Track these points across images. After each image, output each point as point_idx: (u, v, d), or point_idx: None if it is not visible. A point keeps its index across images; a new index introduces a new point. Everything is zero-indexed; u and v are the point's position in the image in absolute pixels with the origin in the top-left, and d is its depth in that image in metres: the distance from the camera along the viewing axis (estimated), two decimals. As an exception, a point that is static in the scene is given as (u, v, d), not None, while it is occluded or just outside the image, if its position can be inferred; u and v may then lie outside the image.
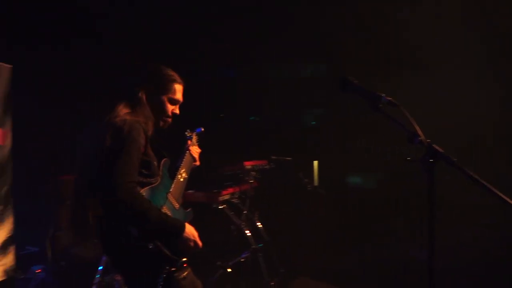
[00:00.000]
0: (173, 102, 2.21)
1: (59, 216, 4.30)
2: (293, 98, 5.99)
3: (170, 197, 2.13)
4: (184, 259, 2.04)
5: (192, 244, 2.02)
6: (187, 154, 2.43)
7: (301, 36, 5.61)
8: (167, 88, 2.17)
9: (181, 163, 2.35)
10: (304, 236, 4.64)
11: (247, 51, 5.89)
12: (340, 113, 5.67)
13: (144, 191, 1.95)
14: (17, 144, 4.01)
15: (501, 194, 1.41)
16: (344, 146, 5.44)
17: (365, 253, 4.70)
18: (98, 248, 3.70)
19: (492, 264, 4.04)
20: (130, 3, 5.14)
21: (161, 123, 2.20)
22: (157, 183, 2.06)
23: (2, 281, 3.59)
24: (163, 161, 2.19)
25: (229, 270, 4.11)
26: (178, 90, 2.22)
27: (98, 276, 3.48)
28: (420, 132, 1.53)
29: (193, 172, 2.91)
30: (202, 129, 2.68)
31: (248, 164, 4.33)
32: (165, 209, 2.04)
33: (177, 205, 2.17)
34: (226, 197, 4.29)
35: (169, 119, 2.23)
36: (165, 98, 2.17)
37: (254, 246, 4.12)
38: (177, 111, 2.25)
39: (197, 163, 2.53)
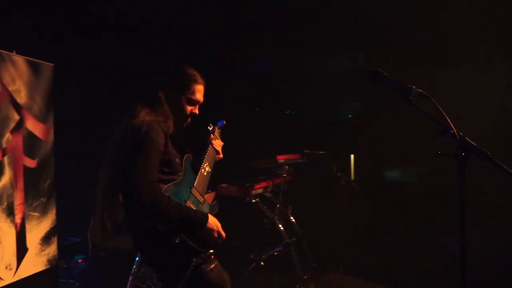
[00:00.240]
0: (192, 102, 2.21)
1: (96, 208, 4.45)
2: (330, 91, 5.91)
3: (194, 191, 2.16)
4: (211, 251, 2.07)
5: (216, 234, 2.03)
6: (210, 148, 2.44)
7: (338, 29, 5.54)
8: (186, 88, 2.17)
9: (204, 157, 2.37)
10: (336, 231, 4.59)
11: (284, 44, 5.88)
12: (378, 106, 5.56)
13: (167, 187, 1.99)
14: (62, 139, 4.17)
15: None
16: (382, 139, 5.32)
17: (400, 248, 4.61)
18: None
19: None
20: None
21: (179, 123, 2.21)
22: (180, 179, 2.09)
23: (46, 269, 3.76)
24: (185, 156, 2.22)
25: (262, 263, 4.14)
26: (198, 90, 2.21)
27: (135, 267, 3.58)
28: (452, 125, 1.48)
29: (227, 166, 2.93)
30: (225, 122, 2.68)
31: (281, 158, 4.32)
32: (189, 204, 2.07)
33: (201, 199, 2.20)
34: (259, 191, 4.31)
35: (188, 119, 2.24)
36: (183, 98, 2.17)
37: (287, 240, 4.13)
38: (196, 111, 2.25)
39: (220, 156, 2.54)
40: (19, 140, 3.48)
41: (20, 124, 3.48)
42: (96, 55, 5.10)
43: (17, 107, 3.46)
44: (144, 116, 2.02)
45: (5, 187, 3.32)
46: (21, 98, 3.50)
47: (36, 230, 3.67)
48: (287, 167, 4.35)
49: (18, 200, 3.46)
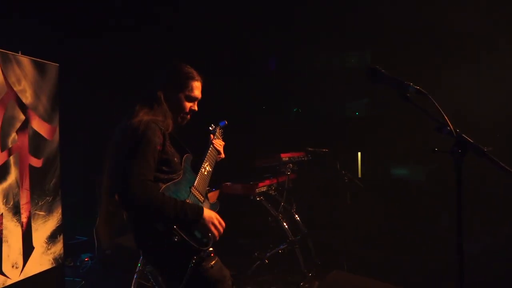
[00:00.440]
0: (191, 99, 2.23)
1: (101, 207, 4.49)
2: (336, 90, 5.91)
3: (194, 190, 2.17)
4: (211, 249, 2.08)
5: (212, 228, 2.03)
6: (211, 148, 2.46)
7: (344, 27, 5.53)
8: (184, 86, 2.20)
9: (205, 156, 2.38)
10: (341, 229, 4.59)
11: (290, 43, 5.88)
12: (385, 104, 5.55)
13: (167, 187, 2.00)
14: (68, 139, 4.21)
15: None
16: (389, 137, 5.31)
17: (405, 246, 4.59)
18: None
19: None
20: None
21: (179, 120, 2.24)
22: (179, 178, 2.11)
23: (52, 268, 3.79)
24: (185, 156, 2.23)
25: (266, 261, 4.15)
26: (196, 87, 2.23)
27: (139, 265, 3.61)
28: (448, 122, 1.48)
29: (233, 164, 2.94)
30: (226, 122, 2.69)
31: (284, 156, 4.33)
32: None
33: (201, 198, 2.21)
34: (263, 189, 4.32)
35: (188, 116, 2.26)
36: (182, 96, 2.19)
37: (291, 238, 4.14)
38: (196, 108, 2.27)
39: (222, 156, 2.55)
40: (24, 140, 3.51)
41: (25, 124, 3.52)
42: (101, 55, 5.14)
43: (23, 107, 3.49)
44: (143, 115, 2.04)
45: (11, 187, 3.36)
46: (27, 98, 3.53)
47: (42, 229, 3.71)
48: (291, 165, 4.35)
49: (24, 199, 3.50)
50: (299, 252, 4.11)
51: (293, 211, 4.44)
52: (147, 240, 2.01)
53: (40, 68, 3.68)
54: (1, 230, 3.25)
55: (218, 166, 2.52)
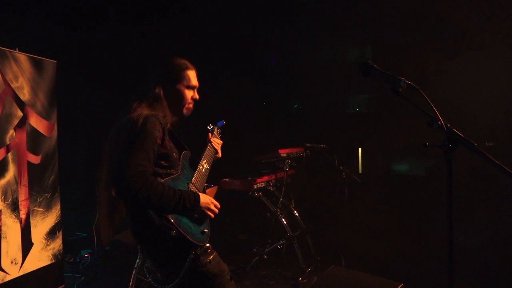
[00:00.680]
0: (190, 88, 2.26)
1: (100, 203, 4.50)
2: (337, 85, 5.89)
3: (191, 186, 2.18)
4: (208, 245, 2.10)
5: (212, 207, 2.08)
6: (209, 146, 2.48)
7: (345, 21, 5.51)
8: (181, 77, 2.22)
9: (203, 154, 2.40)
10: (340, 224, 4.59)
11: (290, 38, 5.86)
12: (386, 99, 5.53)
13: (165, 181, 2.01)
14: (67, 135, 4.22)
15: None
16: (390, 132, 5.29)
17: (404, 241, 4.59)
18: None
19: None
20: None
21: (185, 111, 2.26)
22: (177, 173, 2.12)
23: (52, 264, 3.81)
24: (183, 153, 2.24)
25: (265, 257, 4.16)
26: (192, 76, 2.26)
27: (138, 260, 3.63)
28: (439, 116, 1.48)
29: (230, 160, 2.95)
30: (224, 122, 2.71)
31: (283, 152, 4.32)
32: None
33: None
34: (262, 185, 4.33)
35: (191, 105, 2.29)
36: (182, 87, 2.22)
37: (290, 234, 4.15)
38: (197, 96, 2.30)
39: (219, 155, 2.57)
40: (22, 136, 3.53)
41: (23, 121, 3.53)
42: (98, 52, 5.15)
43: (20, 104, 3.50)
44: (142, 110, 2.04)
45: (10, 183, 3.37)
46: (24, 95, 3.54)
47: (41, 225, 3.73)
48: (289, 160, 4.35)
49: (23, 195, 3.51)
50: (297, 248, 4.12)
51: (291, 206, 4.44)
52: (145, 234, 2.02)
53: (37, 65, 3.68)
54: (0, 226, 3.27)
55: (216, 162, 2.53)
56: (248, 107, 5.89)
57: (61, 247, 3.94)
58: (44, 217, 3.76)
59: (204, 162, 2.36)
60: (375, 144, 5.61)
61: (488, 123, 4.49)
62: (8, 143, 3.36)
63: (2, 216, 3.29)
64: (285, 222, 4.19)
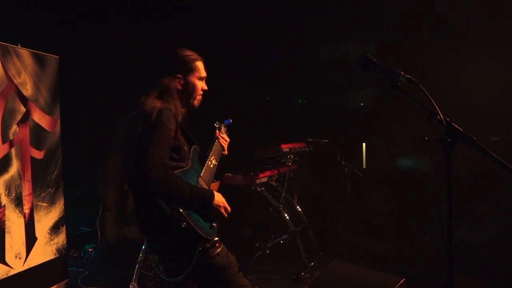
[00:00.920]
0: (201, 79, 2.27)
1: (106, 198, 4.53)
2: (341, 80, 5.87)
3: (201, 180, 2.20)
4: (216, 239, 2.11)
5: (222, 210, 2.10)
6: (216, 143, 2.50)
7: (349, 16, 5.48)
8: (192, 69, 2.21)
9: (211, 150, 2.43)
10: (342, 219, 4.58)
11: (295, 33, 5.84)
12: (390, 93, 5.48)
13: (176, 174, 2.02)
14: (70, 131, 4.23)
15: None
16: (394, 126, 5.27)
17: (408, 236, 4.58)
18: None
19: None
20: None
21: (195, 103, 2.26)
22: (188, 167, 2.13)
23: (56, 258, 3.84)
24: (193, 147, 2.26)
25: (267, 251, 4.17)
26: (202, 67, 2.27)
27: (141, 255, 3.65)
28: (439, 110, 1.46)
29: (233, 155, 2.96)
30: (231, 121, 2.72)
31: (285, 147, 4.32)
32: None
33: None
34: (264, 180, 4.33)
35: (200, 97, 2.29)
36: (194, 79, 2.22)
37: (292, 228, 4.15)
38: (206, 87, 2.30)
39: (225, 152, 2.58)
40: (26, 132, 3.54)
41: (26, 116, 3.54)
42: (101, 47, 5.15)
43: (23, 100, 3.51)
44: (154, 103, 2.05)
45: (13, 178, 3.39)
46: (27, 90, 3.55)
47: (45, 220, 3.75)
48: (292, 155, 4.34)
49: (26, 190, 3.53)
50: (300, 243, 4.12)
51: (294, 201, 4.44)
52: (155, 226, 2.03)
53: (40, 61, 3.69)
54: (4, 221, 3.29)
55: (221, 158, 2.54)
56: (252, 103, 5.88)
57: (65, 242, 3.96)
58: (47, 212, 3.78)
59: (212, 158, 2.39)
60: (379, 139, 5.60)
61: (493, 118, 4.46)
62: (11, 138, 3.37)
63: (6, 211, 3.32)
64: (287, 217, 4.19)
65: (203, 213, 2.06)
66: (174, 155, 2.06)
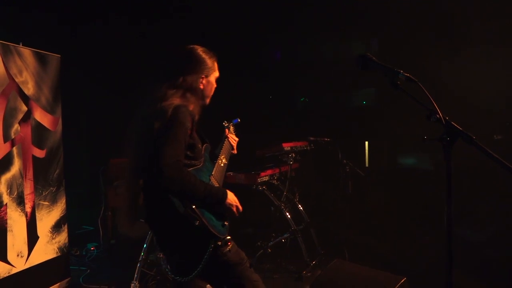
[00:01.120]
0: (217, 78, 2.31)
1: (108, 197, 4.54)
2: (343, 78, 5.86)
3: (212, 179, 2.21)
4: (229, 237, 2.13)
5: (234, 209, 2.13)
6: (226, 142, 2.52)
7: (351, 15, 5.46)
8: (213, 69, 2.27)
9: (221, 149, 2.44)
10: (344, 218, 4.58)
11: (296, 32, 5.83)
12: (392, 92, 5.46)
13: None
14: (72, 129, 4.24)
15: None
16: (397, 125, 5.26)
17: (408, 235, 4.57)
18: (144, 228, 3.90)
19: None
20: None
21: (208, 101, 2.30)
22: (200, 165, 2.15)
23: (57, 257, 3.85)
24: (204, 146, 2.27)
25: (269, 250, 4.17)
26: (217, 66, 2.31)
27: (143, 254, 3.66)
28: (438, 109, 1.46)
29: (235, 154, 2.97)
30: (239, 120, 2.73)
31: (286, 145, 4.32)
32: None
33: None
34: (265, 178, 4.33)
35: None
36: (213, 78, 2.27)
37: (294, 227, 4.14)
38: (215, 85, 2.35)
39: (235, 151, 2.61)
40: (27, 130, 3.55)
41: (28, 115, 3.55)
42: (103, 46, 5.15)
43: (25, 98, 3.52)
44: (173, 99, 2.06)
45: (15, 177, 3.40)
46: (29, 89, 3.56)
47: (47, 219, 3.76)
48: (293, 154, 4.34)
49: (28, 189, 3.54)
50: (301, 241, 4.12)
51: (296, 200, 4.44)
52: (167, 224, 2.04)
53: (41, 59, 3.70)
54: (6, 219, 3.30)
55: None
56: (253, 102, 5.87)
57: (66, 241, 3.98)
58: (49, 211, 3.79)
59: (222, 157, 2.41)
60: (382, 137, 5.58)
61: (494, 117, 4.45)
62: (13, 137, 3.38)
63: (8, 210, 3.33)
64: (289, 216, 4.19)
65: (215, 211, 2.08)
66: (188, 153, 2.08)
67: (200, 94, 2.20)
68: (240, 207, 2.17)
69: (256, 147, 4.53)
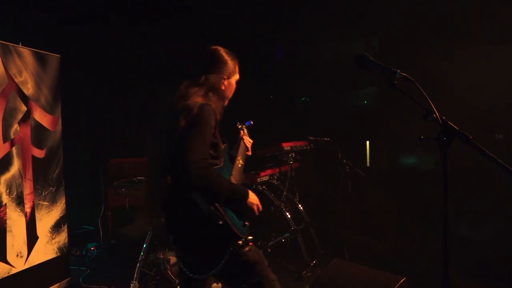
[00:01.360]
0: (237, 81, 2.34)
1: (108, 197, 4.55)
2: (344, 78, 5.85)
3: (232, 179, 2.23)
4: (250, 237, 2.12)
5: (255, 207, 2.14)
6: (241, 143, 2.53)
7: (352, 15, 5.46)
8: (234, 71, 2.29)
9: (237, 150, 2.46)
10: (344, 218, 4.58)
11: (297, 31, 5.83)
12: (393, 92, 5.44)
13: None
14: (72, 129, 4.24)
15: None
16: (398, 125, 5.25)
17: (408, 235, 4.56)
18: (143, 228, 3.90)
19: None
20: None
21: (227, 102, 2.31)
22: (221, 165, 2.16)
23: (57, 257, 3.85)
24: (223, 145, 2.27)
25: (269, 250, 4.16)
26: (238, 69, 2.33)
27: (142, 254, 3.66)
28: (434, 109, 1.46)
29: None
30: (251, 122, 2.74)
31: (286, 145, 4.31)
32: None
33: None
34: (265, 178, 4.32)
35: None
36: (233, 81, 2.30)
37: (294, 227, 4.14)
38: None
39: (249, 153, 2.61)
40: (27, 131, 3.55)
41: (27, 115, 3.55)
42: (103, 45, 5.15)
43: (24, 99, 3.52)
44: (197, 98, 2.07)
45: (15, 177, 3.40)
46: (28, 89, 3.56)
47: (46, 219, 3.76)
48: (293, 154, 4.34)
49: (28, 189, 3.55)
50: (301, 241, 4.12)
51: (296, 200, 4.44)
52: (190, 223, 2.04)
53: (41, 60, 3.70)
54: (5, 220, 3.30)
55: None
56: (253, 102, 5.87)
57: (66, 241, 3.98)
58: (49, 211, 3.79)
59: (239, 158, 2.42)
60: (383, 137, 5.58)
61: (494, 117, 4.44)
62: (12, 137, 3.38)
63: (7, 210, 3.33)
64: (289, 216, 4.18)
65: (236, 211, 2.09)
66: (212, 152, 2.07)
67: (222, 95, 2.20)
68: (260, 206, 2.19)
69: (256, 146, 4.51)
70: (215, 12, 5.49)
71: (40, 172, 3.69)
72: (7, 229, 3.32)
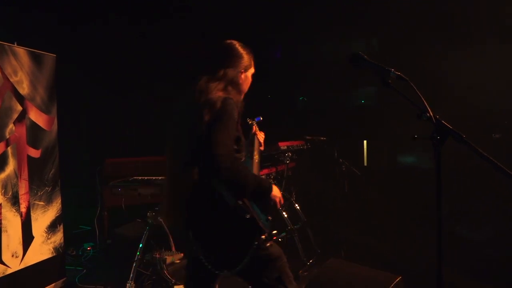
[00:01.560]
0: (252, 75, 2.35)
1: (104, 197, 4.53)
2: (343, 77, 5.83)
3: None
4: (274, 232, 2.13)
5: (278, 200, 2.15)
6: (256, 139, 2.54)
7: (351, 14, 5.44)
8: (251, 64, 2.30)
9: (253, 146, 2.46)
10: (341, 217, 4.56)
11: (296, 31, 5.81)
12: (391, 91, 5.43)
13: None
14: (68, 129, 4.22)
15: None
16: (396, 124, 5.23)
17: (405, 234, 4.55)
18: (139, 228, 3.88)
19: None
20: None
21: (243, 96, 2.30)
22: (244, 159, 2.16)
23: (53, 257, 3.84)
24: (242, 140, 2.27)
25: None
26: (253, 63, 2.34)
27: (138, 253, 3.64)
28: (428, 108, 1.44)
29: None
30: (261, 118, 2.75)
31: (283, 145, 4.30)
32: None
33: None
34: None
35: None
36: (249, 74, 2.31)
37: (290, 226, 4.12)
38: None
39: (262, 147, 2.62)
40: (22, 130, 3.54)
41: (23, 115, 3.54)
42: (98, 45, 5.14)
43: (20, 98, 3.51)
44: (218, 92, 2.06)
45: (10, 177, 3.39)
46: (24, 89, 3.55)
47: (42, 219, 3.75)
48: (289, 153, 4.32)
49: (23, 189, 3.53)
50: (298, 241, 4.10)
51: (292, 199, 4.42)
52: (216, 218, 2.02)
53: (36, 59, 3.69)
54: (0, 220, 3.29)
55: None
56: (253, 102, 5.85)
57: (62, 241, 3.96)
58: (44, 211, 3.78)
59: (255, 153, 2.44)
60: (383, 137, 5.57)
61: (493, 116, 4.42)
62: (7, 137, 3.37)
63: (3, 210, 3.32)
64: (285, 215, 4.17)
65: (260, 205, 2.08)
66: (235, 145, 2.07)
67: (240, 88, 2.21)
68: (282, 200, 2.19)
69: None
70: (215, 12, 5.48)
71: (36, 172, 3.68)
72: (2, 229, 3.30)
